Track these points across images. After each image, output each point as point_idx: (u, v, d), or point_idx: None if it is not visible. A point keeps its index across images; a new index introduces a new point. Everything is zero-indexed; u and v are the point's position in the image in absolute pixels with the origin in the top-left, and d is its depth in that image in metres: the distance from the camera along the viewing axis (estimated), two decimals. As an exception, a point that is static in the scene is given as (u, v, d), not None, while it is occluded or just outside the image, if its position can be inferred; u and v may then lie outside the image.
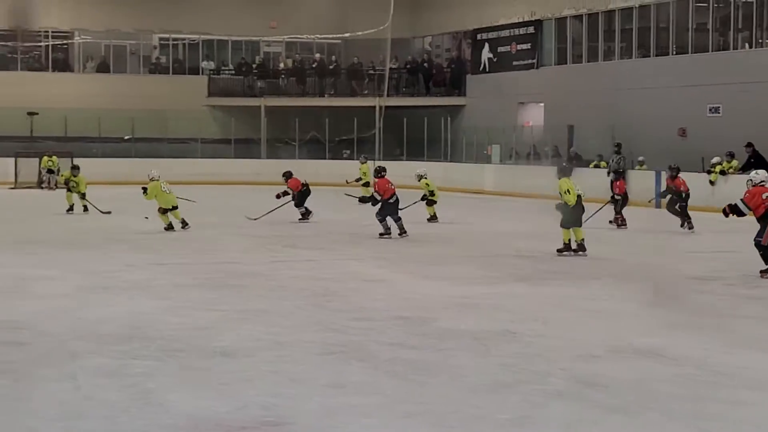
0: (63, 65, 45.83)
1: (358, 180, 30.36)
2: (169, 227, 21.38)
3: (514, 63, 40.75)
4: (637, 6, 35.38)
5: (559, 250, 17.79)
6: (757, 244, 15.05)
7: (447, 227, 23.41)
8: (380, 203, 20.81)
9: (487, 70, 42.30)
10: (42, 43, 45.10)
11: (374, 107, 43.38)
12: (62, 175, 27.45)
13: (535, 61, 39.74)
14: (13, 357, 9.33)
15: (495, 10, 41.77)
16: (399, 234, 20.63)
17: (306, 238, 20.45)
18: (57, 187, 34.76)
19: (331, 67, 45.67)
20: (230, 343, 9.97)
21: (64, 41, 45.56)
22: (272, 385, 8.40)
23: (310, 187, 24.53)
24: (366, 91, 44.96)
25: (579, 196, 18.02)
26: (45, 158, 37.91)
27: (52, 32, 45.00)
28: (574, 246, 17.81)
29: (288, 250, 18.75)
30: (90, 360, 9.23)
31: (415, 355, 9.54)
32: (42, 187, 36.42)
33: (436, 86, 44.44)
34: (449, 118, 41.48)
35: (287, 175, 24.63)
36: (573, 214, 17.95)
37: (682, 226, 22.61)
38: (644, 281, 14.95)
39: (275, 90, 45.79)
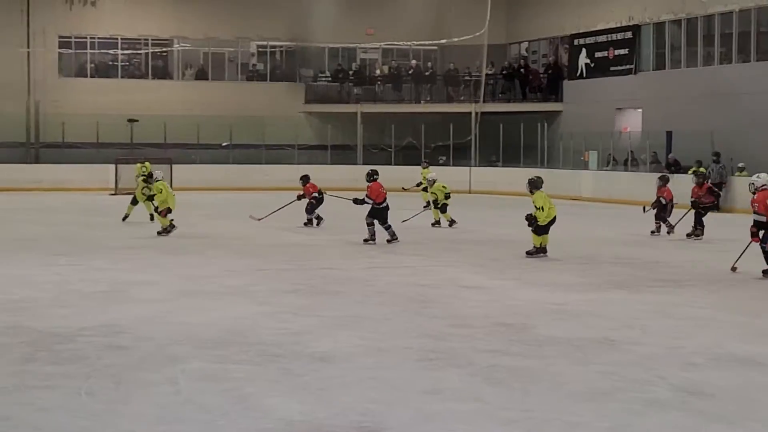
0: (162, 72, 46.42)
1: (418, 185, 30.25)
2: (171, 227, 21.70)
3: (612, 68, 40.41)
4: (737, 10, 34.91)
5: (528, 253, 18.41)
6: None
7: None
8: (371, 206, 20.75)
9: (584, 75, 42.00)
10: (142, 51, 45.73)
11: (470, 113, 43.31)
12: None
13: (633, 66, 39.38)
14: (114, 361, 9.46)
15: (592, 16, 41.48)
16: (388, 240, 20.57)
17: (404, 245, 20.46)
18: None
19: (427, 73, 45.69)
20: (328, 349, 10.02)
21: (164, 49, 46.17)
22: (369, 390, 8.42)
23: (324, 195, 24.46)
24: (462, 97, 44.88)
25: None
26: (138, 165, 38.38)
27: (152, 40, 45.60)
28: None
29: (386, 256, 18.77)
30: (189, 364, 9.34)
31: (513, 362, 9.51)
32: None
33: (533, 92, 44.22)
34: (546, 124, 41.25)
35: (304, 180, 24.62)
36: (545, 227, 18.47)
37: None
38: (742, 288, 14.76)
39: (371, 96, 45.99)
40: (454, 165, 41.95)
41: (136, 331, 10.84)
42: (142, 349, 9.99)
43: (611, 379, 8.87)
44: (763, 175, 15.92)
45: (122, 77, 45.57)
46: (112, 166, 37.98)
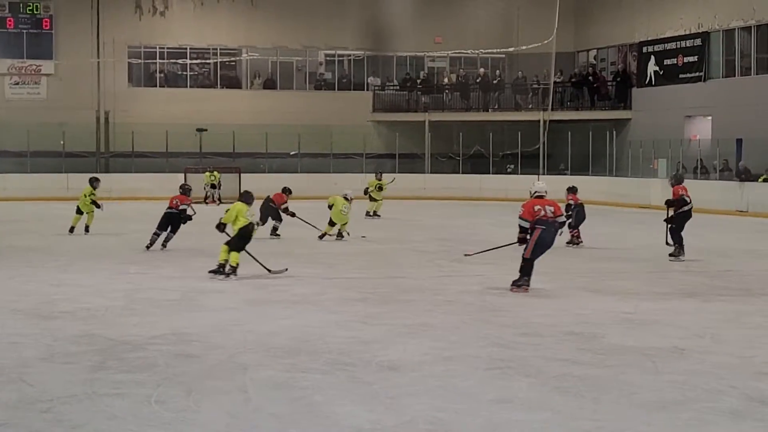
0: (231, 82, 46.76)
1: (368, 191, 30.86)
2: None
3: (681, 75, 40.13)
4: (808, 15, 34.57)
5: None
6: None
7: (612, 242, 23.16)
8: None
9: (653, 82, 41.75)
10: (211, 60, 46.09)
11: (538, 121, 43.20)
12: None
13: (702, 73, 39.08)
14: (185, 369, 9.53)
15: (661, 23, 41.22)
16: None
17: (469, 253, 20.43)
18: (221, 202, 35.46)
19: (495, 81, 45.63)
20: (397, 357, 10.03)
21: (232, 58, 46.51)
22: (439, 399, 8.42)
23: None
24: (530, 105, 44.79)
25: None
26: (207, 173, 38.75)
27: (221, 49, 45.95)
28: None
29: (455, 264, 18.73)
30: (259, 372, 9.38)
31: (584, 371, 9.46)
32: (206, 203, 36.97)
33: (601, 100, 44.02)
34: (614, 132, 41.04)
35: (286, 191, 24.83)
36: None
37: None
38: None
39: (439, 105, 46.05)
40: (522, 173, 41.85)
41: (205, 340, 10.92)
42: (211, 357, 10.05)
43: (682, 388, 8.80)
44: None
45: (191, 87, 45.98)
46: (182, 175, 38.31)
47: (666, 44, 40.98)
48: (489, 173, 42.44)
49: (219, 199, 37.27)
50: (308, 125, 43.36)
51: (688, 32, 39.78)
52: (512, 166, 42.95)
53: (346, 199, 23.11)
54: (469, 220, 29.67)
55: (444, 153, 44.48)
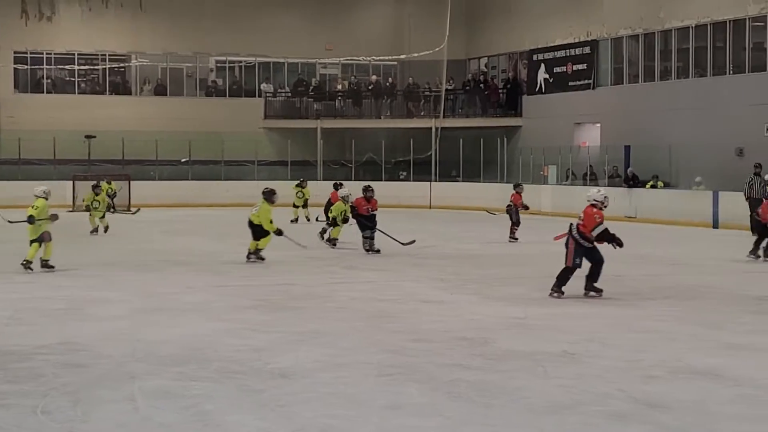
0: (120, 88, 46.23)
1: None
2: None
3: (570, 83, 40.62)
4: (693, 25, 35.16)
5: None
6: None
7: (504, 248, 23.34)
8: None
9: (543, 90, 42.20)
10: (99, 66, 45.54)
11: (430, 128, 43.40)
12: (84, 200, 27.52)
13: (591, 81, 39.60)
14: (72, 379, 9.38)
15: (551, 31, 41.67)
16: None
17: (365, 260, 20.45)
18: (115, 210, 35.04)
19: (387, 87, 45.72)
20: (288, 365, 9.98)
21: (122, 64, 46.00)
22: (329, 406, 8.39)
23: None
24: (422, 113, 44.96)
25: None
26: (104, 184, 38.24)
27: (110, 55, 45.45)
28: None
29: (347, 271, 18.75)
30: (148, 382, 9.27)
31: (474, 377, 9.50)
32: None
33: (492, 107, 44.36)
34: (505, 139, 41.38)
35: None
36: None
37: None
38: (702, 301, 14.84)
39: (331, 112, 46.00)
40: (414, 180, 42.02)
41: (94, 349, 10.76)
42: (100, 366, 9.91)
43: (572, 392, 8.88)
44: None
45: (79, 93, 45.39)
46: (70, 183, 37.77)
47: (556, 52, 41.45)
48: (381, 180, 42.45)
49: (113, 208, 36.80)
50: (199, 132, 43.02)
51: (577, 40, 40.28)
52: (405, 173, 43.07)
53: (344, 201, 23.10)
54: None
55: (336, 160, 44.44)
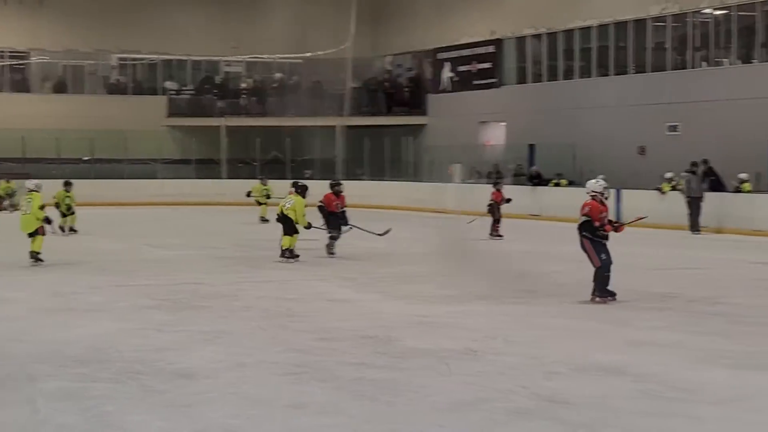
0: (20, 85, 45.55)
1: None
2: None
3: (475, 82, 40.86)
4: (595, 25, 35.58)
5: None
6: None
7: (410, 247, 23.38)
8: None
9: (449, 89, 42.38)
10: (-2, 63, 44.89)
11: (335, 127, 43.36)
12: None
13: (495, 80, 39.85)
14: (-28, 380, 9.23)
15: (456, 30, 41.88)
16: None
17: (272, 259, 20.37)
18: (15, 209, 34.52)
19: (292, 85, 45.60)
20: (192, 365, 9.90)
21: (21, 61, 45.31)
22: (234, 406, 8.33)
23: None
24: (327, 111, 44.88)
25: None
26: (2, 183, 37.71)
27: (9, 52, 44.75)
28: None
29: (253, 270, 18.65)
30: (49, 383, 9.13)
31: (378, 375, 9.50)
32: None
33: (398, 106, 44.46)
34: (411, 138, 41.49)
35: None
36: None
37: None
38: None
39: (236, 110, 45.77)
40: (319, 179, 41.92)
41: (-6, 350, 10.60)
42: (1, 368, 9.74)
43: (474, 389, 8.91)
44: None
45: (-23, 90, 44.65)
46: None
47: (460, 51, 41.68)
48: (286, 179, 42.28)
49: (13, 207, 36.24)
50: (101, 130, 42.52)
51: (481, 39, 40.50)
52: (310, 172, 42.99)
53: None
54: (266, 226, 29.56)
55: (241, 158, 44.24)
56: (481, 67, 40.55)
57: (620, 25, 34.75)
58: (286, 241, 19.84)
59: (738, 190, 27.01)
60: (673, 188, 28.87)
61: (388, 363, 10.07)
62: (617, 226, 14.44)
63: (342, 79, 44.28)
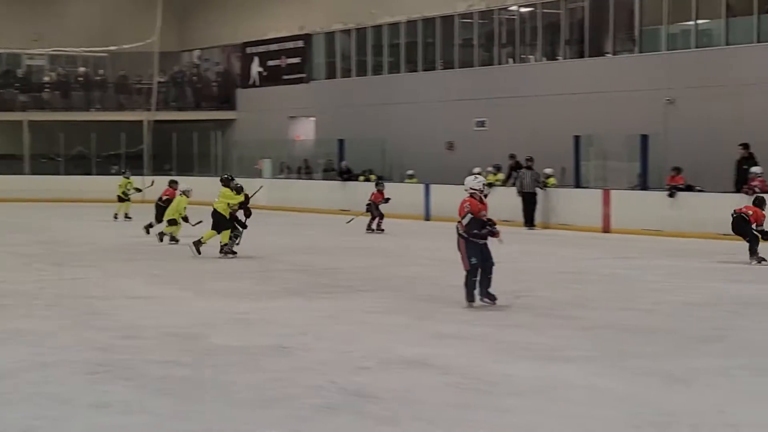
0: None
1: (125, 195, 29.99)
2: None
3: (284, 77, 40.79)
4: (404, 21, 35.86)
5: None
6: None
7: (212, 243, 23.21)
8: None
9: (258, 84, 42.24)
10: None
11: (142, 121, 42.75)
12: None
13: (305, 75, 39.85)
14: None
15: (264, 24, 41.76)
16: None
17: (75, 256, 19.96)
18: None
19: (97, 79, 44.74)
20: (-10, 365, 9.62)
21: None
22: (34, 406, 8.13)
23: None
24: (134, 105, 44.20)
25: None
26: None
27: None
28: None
29: (55, 268, 18.22)
30: None
31: (185, 373, 9.39)
32: None
33: (206, 100, 44.12)
34: (219, 133, 41.22)
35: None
36: None
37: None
38: (413, 292, 15.09)
39: (39, 104, 44.57)
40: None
41: None
42: None
43: (282, 385, 8.87)
44: None
45: None
46: None
47: (269, 45, 41.55)
48: (92, 174, 41.50)
49: None
50: None
51: (290, 34, 40.45)
52: (117, 167, 42.24)
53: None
54: (72, 222, 29.01)
55: (45, 154, 43.13)
56: (291, 62, 40.49)
57: (428, 22, 35.12)
58: (209, 234, 19.97)
59: (544, 186, 27.53)
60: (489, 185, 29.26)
61: (195, 360, 9.95)
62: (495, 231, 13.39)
63: (149, 73, 43.64)
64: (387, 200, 25.89)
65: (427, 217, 29.78)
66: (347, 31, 38.32)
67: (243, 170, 38.49)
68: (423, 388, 8.79)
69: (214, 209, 20.01)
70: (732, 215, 19.21)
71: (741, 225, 18.98)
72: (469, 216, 13.14)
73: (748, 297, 14.71)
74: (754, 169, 23.58)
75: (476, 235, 13.19)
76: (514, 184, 27.36)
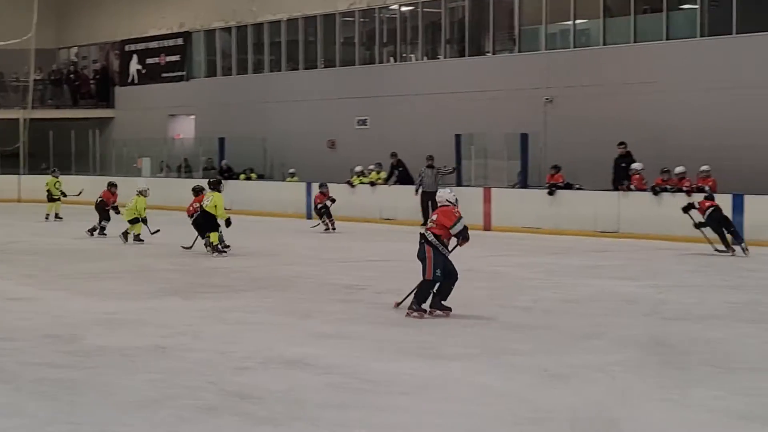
0: None
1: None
2: None
3: (164, 75, 40.44)
4: (285, 19, 35.76)
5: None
6: None
7: (98, 243, 22.90)
8: None
9: (136, 81, 41.80)
10: None
11: (18, 120, 41.98)
12: None
13: (184, 73, 39.54)
14: None
15: (144, 21, 41.33)
16: None
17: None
18: None
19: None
20: None
21: None
22: None
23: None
24: (9, 103, 43.37)
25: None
26: None
27: None
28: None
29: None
30: None
31: (61, 374, 9.22)
32: None
33: (84, 98, 43.51)
34: (98, 131, 40.67)
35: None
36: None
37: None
38: (295, 291, 15.05)
39: None
40: (3, 174, 40.46)
41: None
42: None
43: (162, 386, 8.76)
44: None
45: None
46: None
47: (148, 43, 41.16)
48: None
49: None
50: None
51: (170, 32, 40.10)
52: (44, 166, 41.39)
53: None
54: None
55: None
56: (170, 60, 40.15)
57: (309, 20, 35.07)
58: (213, 236, 19.84)
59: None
60: (362, 182, 29.31)
61: (71, 362, 9.78)
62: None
63: (25, 71, 42.85)
64: (333, 200, 25.84)
65: (308, 216, 29.72)
66: (227, 29, 38.12)
67: (122, 169, 38.07)
68: (304, 387, 8.75)
69: (203, 210, 20.06)
70: (710, 213, 19.93)
71: (725, 218, 19.94)
72: (462, 221, 12.81)
73: (626, 294, 14.91)
74: (635, 166, 24.07)
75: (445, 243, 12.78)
76: (421, 183, 26.87)
